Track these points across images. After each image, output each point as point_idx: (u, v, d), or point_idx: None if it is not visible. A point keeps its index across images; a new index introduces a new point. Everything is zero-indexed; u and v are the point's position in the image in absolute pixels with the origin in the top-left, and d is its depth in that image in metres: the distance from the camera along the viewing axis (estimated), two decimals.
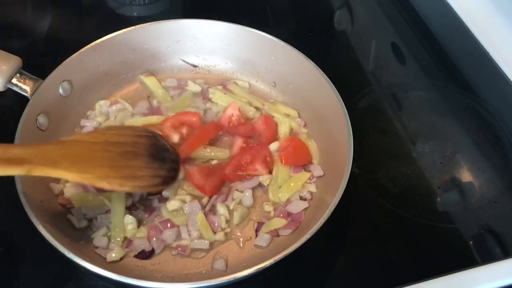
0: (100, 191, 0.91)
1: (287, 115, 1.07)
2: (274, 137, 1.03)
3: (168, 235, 0.89)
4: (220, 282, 0.78)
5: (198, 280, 0.78)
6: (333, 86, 0.98)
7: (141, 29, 1.08)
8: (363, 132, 1.07)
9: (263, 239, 0.90)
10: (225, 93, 1.08)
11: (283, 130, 1.04)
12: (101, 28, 1.28)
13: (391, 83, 1.23)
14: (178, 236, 0.90)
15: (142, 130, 0.94)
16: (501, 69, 1.19)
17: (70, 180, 0.88)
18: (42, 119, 0.96)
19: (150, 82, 1.10)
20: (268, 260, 0.77)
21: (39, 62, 1.05)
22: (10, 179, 0.83)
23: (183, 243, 0.89)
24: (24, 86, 0.94)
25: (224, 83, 1.12)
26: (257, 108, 1.08)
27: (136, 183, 0.84)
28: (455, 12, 1.31)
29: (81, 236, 0.89)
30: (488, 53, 1.22)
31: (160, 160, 0.89)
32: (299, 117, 1.07)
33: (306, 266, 0.89)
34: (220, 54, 1.14)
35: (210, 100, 1.09)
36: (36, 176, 0.74)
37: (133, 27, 1.08)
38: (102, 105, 1.07)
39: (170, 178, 0.91)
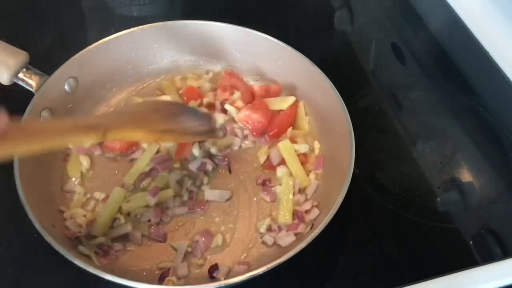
0: None
1: None
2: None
3: None
4: (218, 285, 0.78)
5: (196, 284, 0.78)
6: (334, 87, 0.98)
7: (148, 29, 1.08)
8: (363, 132, 1.07)
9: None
10: None
11: None
12: (101, 28, 1.28)
13: (391, 83, 1.23)
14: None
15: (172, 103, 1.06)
16: (501, 69, 1.19)
17: (136, 139, 0.97)
18: (46, 115, 0.96)
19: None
20: (265, 266, 0.77)
21: (46, 57, 1.05)
22: (11, 180, 0.83)
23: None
24: (30, 81, 0.94)
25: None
26: None
27: (183, 134, 0.94)
28: (455, 12, 1.32)
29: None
30: (488, 53, 1.22)
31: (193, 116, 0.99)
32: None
33: (306, 266, 0.89)
34: (222, 55, 1.14)
35: None
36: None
37: (140, 26, 1.08)
38: None
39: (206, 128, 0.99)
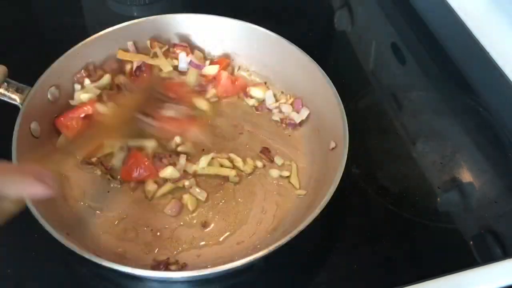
0: None
1: None
2: None
3: None
4: (210, 272, 0.77)
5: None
6: (331, 82, 0.99)
7: (121, 29, 1.07)
8: (363, 132, 1.07)
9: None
10: None
11: None
12: (101, 29, 1.28)
13: (391, 83, 1.23)
14: None
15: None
16: (501, 69, 1.19)
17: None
18: (34, 126, 0.94)
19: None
20: (257, 253, 0.77)
21: (32, 67, 1.03)
22: None
23: None
24: (13, 95, 0.93)
25: None
26: None
27: None
28: (455, 12, 1.31)
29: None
30: (488, 53, 1.22)
31: None
32: None
33: (305, 267, 0.89)
34: (216, 51, 1.15)
35: None
36: None
37: (115, 26, 1.07)
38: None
39: None
